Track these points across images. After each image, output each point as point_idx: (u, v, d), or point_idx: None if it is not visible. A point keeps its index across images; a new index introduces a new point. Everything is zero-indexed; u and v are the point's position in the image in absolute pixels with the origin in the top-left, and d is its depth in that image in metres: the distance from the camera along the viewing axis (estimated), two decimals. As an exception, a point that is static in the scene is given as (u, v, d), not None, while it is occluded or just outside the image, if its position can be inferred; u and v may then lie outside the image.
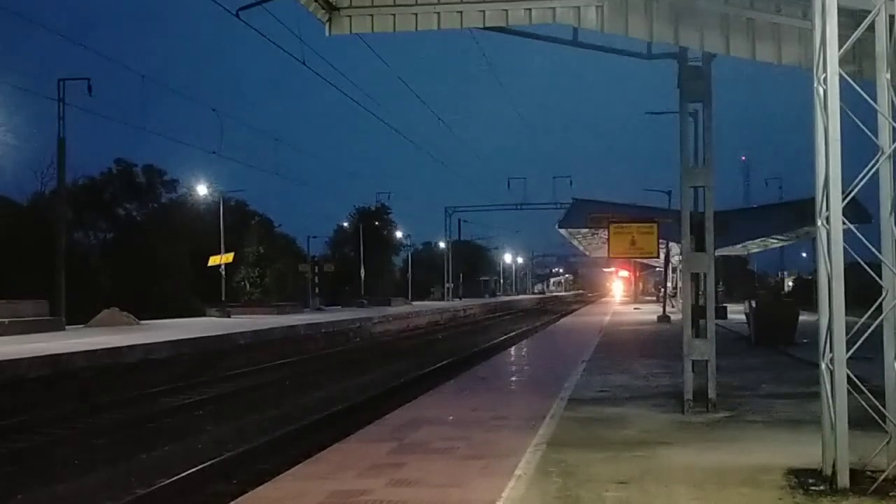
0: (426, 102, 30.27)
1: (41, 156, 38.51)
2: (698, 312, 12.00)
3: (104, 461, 10.26)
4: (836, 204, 5.74)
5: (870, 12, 5.89)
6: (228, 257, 39.71)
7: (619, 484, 6.15)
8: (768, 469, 6.45)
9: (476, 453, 7.44)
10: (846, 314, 5.76)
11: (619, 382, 12.66)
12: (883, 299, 5.99)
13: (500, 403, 10.70)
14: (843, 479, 5.69)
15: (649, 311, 39.53)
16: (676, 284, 41.92)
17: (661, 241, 25.80)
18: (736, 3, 8.16)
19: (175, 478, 8.80)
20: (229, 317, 34.68)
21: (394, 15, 8.99)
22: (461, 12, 8.83)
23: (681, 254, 13.00)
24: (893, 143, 5.96)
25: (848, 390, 5.72)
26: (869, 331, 5.86)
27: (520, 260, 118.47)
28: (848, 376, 5.71)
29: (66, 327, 25.09)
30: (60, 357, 16.19)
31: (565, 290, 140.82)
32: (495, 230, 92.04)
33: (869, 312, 5.90)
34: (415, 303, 59.17)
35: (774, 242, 47.39)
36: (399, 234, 71.85)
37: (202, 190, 43.09)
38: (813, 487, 5.82)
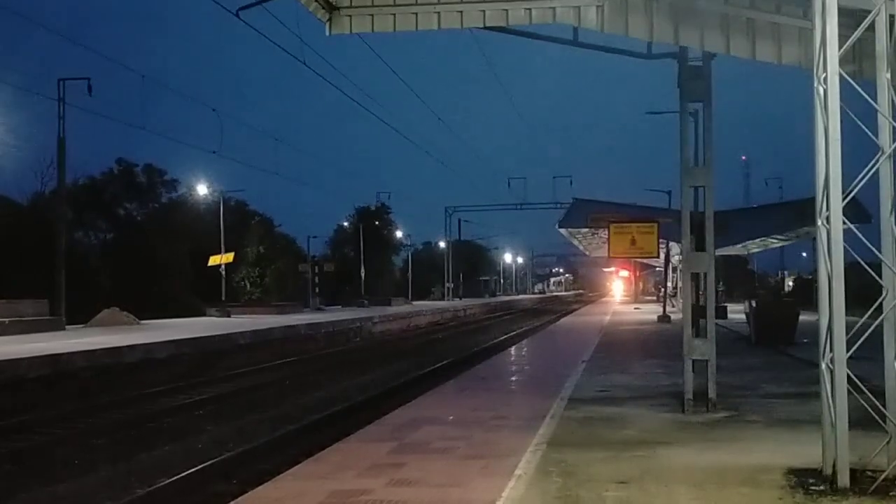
0: (426, 102, 30.31)
1: (41, 156, 38.56)
2: (698, 312, 12.00)
3: (104, 461, 10.26)
4: (837, 204, 5.74)
5: (870, 12, 5.89)
6: (228, 257, 39.71)
7: (619, 484, 6.15)
8: (768, 469, 6.45)
9: (476, 453, 7.44)
10: (846, 314, 5.76)
11: (620, 382, 12.66)
12: (883, 299, 5.99)
13: (501, 403, 10.70)
14: (844, 479, 5.69)
15: (649, 311, 39.52)
16: (676, 284, 41.92)
17: (661, 240, 25.77)
18: (736, 3, 8.16)
19: (175, 477, 8.80)
20: (229, 316, 34.69)
21: (394, 15, 8.99)
22: (461, 12, 8.82)
23: (681, 253, 13.01)
24: (893, 142, 5.96)
25: (848, 390, 5.72)
26: (869, 330, 5.86)
27: (520, 260, 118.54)
28: (848, 376, 5.71)
29: (67, 327, 25.10)
30: (60, 357, 16.19)
31: (565, 290, 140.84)
32: (495, 230, 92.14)
33: (869, 312, 5.90)
34: (415, 303, 59.21)
35: (775, 242, 47.35)
36: (399, 234, 71.89)
37: (202, 190, 43.10)
38: (813, 487, 5.82)
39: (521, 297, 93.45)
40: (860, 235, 6.02)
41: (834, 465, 5.76)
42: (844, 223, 5.77)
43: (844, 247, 5.80)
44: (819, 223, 5.90)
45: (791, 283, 66.88)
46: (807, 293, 34.03)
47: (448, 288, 71.51)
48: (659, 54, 10.30)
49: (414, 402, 11.34)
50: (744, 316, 23.77)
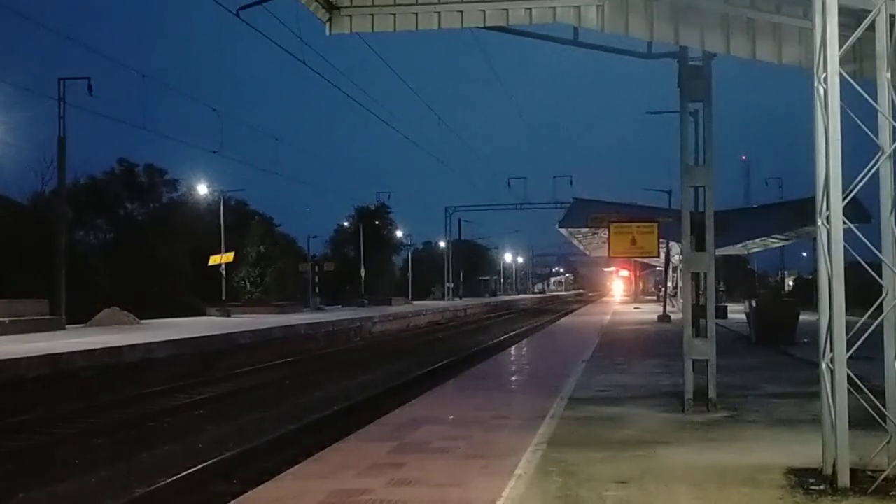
0: (426, 102, 30.32)
1: (42, 155, 38.59)
2: (698, 312, 11.99)
3: (104, 461, 10.26)
4: (837, 203, 5.74)
5: (870, 12, 5.89)
6: (229, 257, 39.72)
7: (619, 483, 6.15)
8: (768, 468, 6.45)
9: (476, 453, 7.44)
10: (846, 314, 5.75)
11: (620, 382, 12.66)
12: (883, 299, 5.99)
13: (501, 403, 10.70)
14: (844, 479, 5.69)
15: (649, 311, 39.52)
16: (676, 284, 41.91)
17: (661, 240, 25.77)
18: (736, 3, 8.16)
19: (175, 477, 8.81)
20: (229, 316, 34.70)
21: (394, 14, 8.99)
22: (462, 12, 8.82)
23: (681, 253, 13.01)
24: (894, 142, 5.96)
25: (848, 390, 5.72)
26: (869, 330, 5.86)
27: (520, 259, 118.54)
28: (848, 376, 5.71)
29: (67, 327, 25.10)
30: (60, 356, 16.19)
31: (565, 290, 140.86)
32: (495, 230, 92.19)
33: (869, 312, 5.90)
34: (415, 302, 59.21)
35: (775, 242, 47.38)
36: (399, 234, 71.94)
37: (202, 189, 43.10)
38: (813, 487, 5.82)
39: (521, 296, 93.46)
40: (860, 235, 6.02)
41: (834, 465, 5.76)
42: (844, 223, 5.77)
43: (844, 246, 5.80)
44: (819, 223, 5.90)
45: (791, 283, 66.91)
46: (807, 293, 34.01)
47: (448, 288, 71.52)
48: (659, 54, 10.30)
49: (414, 401, 11.34)
50: (744, 316, 23.76)
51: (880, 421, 5.90)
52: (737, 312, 28.07)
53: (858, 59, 6.99)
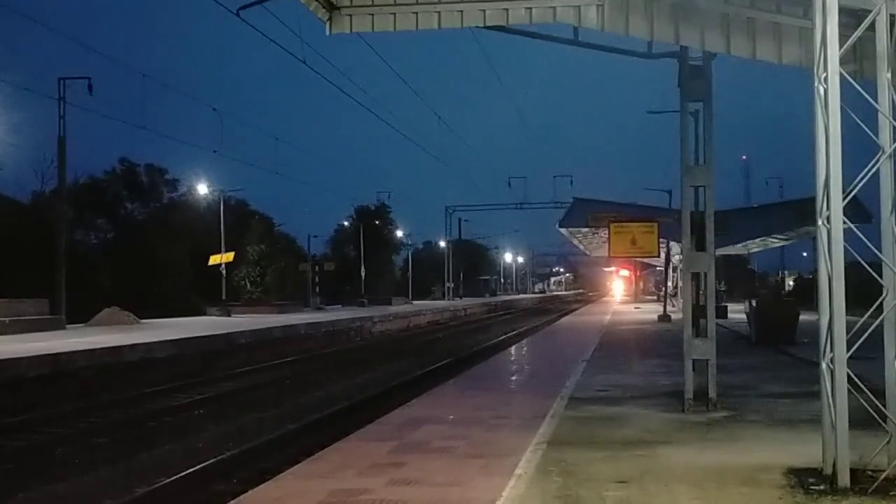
0: (426, 102, 30.33)
1: (42, 155, 38.60)
2: (699, 312, 11.99)
3: (104, 460, 10.26)
4: (837, 203, 5.74)
5: (870, 11, 5.89)
6: (229, 256, 39.72)
7: (619, 483, 6.15)
8: (768, 468, 6.45)
9: (476, 452, 7.44)
10: (847, 313, 5.75)
11: (620, 382, 12.66)
12: (883, 298, 5.98)
13: (501, 402, 10.70)
14: (844, 479, 5.69)
15: (650, 311, 39.52)
16: (677, 284, 41.90)
17: (661, 240, 25.73)
18: (736, 3, 8.15)
19: (175, 477, 8.81)
20: (230, 316, 34.70)
21: (394, 14, 8.99)
22: (462, 11, 8.82)
23: (681, 253, 13.00)
24: (894, 142, 5.96)
25: (848, 390, 5.72)
26: (869, 330, 5.86)
27: (520, 259, 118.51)
28: (848, 376, 5.71)
29: (67, 326, 25.10)
30: (60, 356, 16.19)
31: (566, 290, 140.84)
32: (496, 230, 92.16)
33: (869, 312, 5.89)
34: (415, 302, 59.20)
35: (775, 242, 47.34)
36: (399, 234, 71.95)
37: (202, 189, 43.11)
38: (813, 487, 5.82)
39: (521, 296, 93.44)
40: (860, 235, 6.02)
41: (834, 465, 5.76)
42: (845, 223, 5.77)
43: (845, 246, 5.80)
44: (819, 223, 5.90)
45: (791, 283, 66.91)
46: (807, 293, 34.00)
47: (448, 287, 71.51)
48: (659, 54, 10.30)
49: (414, 401, 11.34)
50: (744, 315, 23.76)
51: (880, 421, 5.90)
52: (737, 312, 28.06)
53: (859, 59, 6.99)
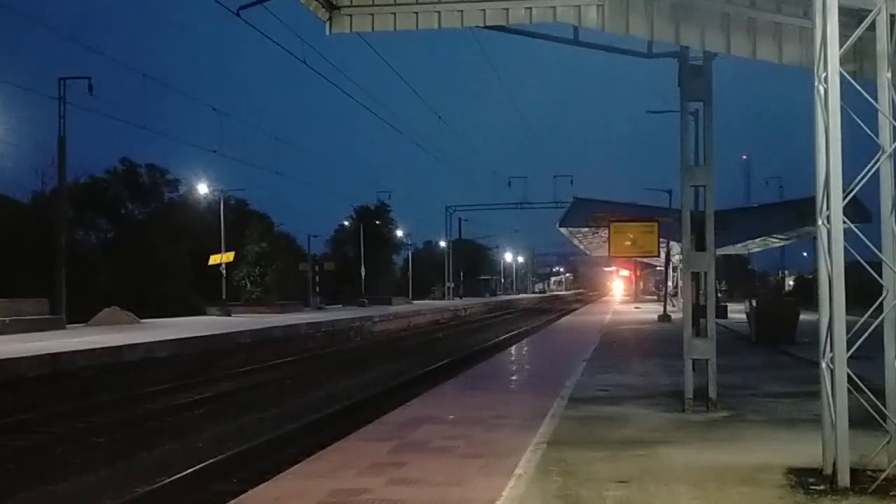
0: (426, 101, 30.33)
1: (42, 154, 38.56)
2: (699, 311, 12.00)
3: (104, 460, 10.26)
4: (837, 203, 5.74)
5: (870, 11, 5.89)
6: (229, 256, 39.72)
7: (619, 483, 6.15)
8: (768, 468, 6.45)
9: (476, 452, 7.44)
10: (847, 313, 5.75)
11: (620, 381, 12.66)
12: (883, 298, 5.98)
13: (501, 402, 10.70)
14: (844, 479, 5.69)
15: (650, 311, 39.51)
16: (677, 283, 41.90)
17: (661, 240, 25.72)
18: (737, 3, 8.15)
19: (175, 476, 8.81)
20: (230, 315, 34.70)
21: (394, 14, 8.99)
22: (462, 11, 8.82)
23: (681, 253, 13.00)
24: (894, 142, 5.96)
25: (848, 389, 5.72)
26: (869, 330, 5.86)
27: (520, 259, 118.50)
28: (848, 375, 5.71)
29: (67, 326, 25.10)
30: (60, 356, 16.19)
31: (566, 290, 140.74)
32: (496, 229, 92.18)
33: (869, 311, 5.90)
34: (415, 302, 59.19)
35: (775, 242, 47.33)
36: (399, 233, 71.93)
37: (202, 189, 43.11)
38: (813, 487, 5.82)
39: (521, 296, 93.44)
40: (860, 235, 6.01)
41: (834, 465, 5.76)
42: (845, 222, 5.77)
43: (845, 246, 5.80)
44: (819, 222, 5.89)
45: (791, 283, 66.96)
46: (807, 293, 34.00)
47: (448, 287, 71.51)
48: (659, 53, 10.30)
49: (414, 401, 11.35)
50: (744, 315, 23.77)
51: (880, 421, 5.90)
52: (737, 312, 28.07)
53: (859, 59, 6.99)
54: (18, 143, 36.00)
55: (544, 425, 8.68)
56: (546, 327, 34.04)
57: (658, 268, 58.77)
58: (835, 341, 5.76)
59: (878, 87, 6.03)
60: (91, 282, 36.07)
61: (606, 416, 9.40)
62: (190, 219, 45.95)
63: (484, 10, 8.76)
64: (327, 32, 9.11)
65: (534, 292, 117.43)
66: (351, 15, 9.04)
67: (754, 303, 21.81)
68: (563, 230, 44.63)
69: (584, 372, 14.07)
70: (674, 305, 38.72)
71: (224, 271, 39.55)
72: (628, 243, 23.25)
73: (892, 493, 5.57)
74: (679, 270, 30.83)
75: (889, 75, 6.00)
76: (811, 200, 6.15)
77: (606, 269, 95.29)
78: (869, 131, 5.97)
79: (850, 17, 6.16)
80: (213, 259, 39.30)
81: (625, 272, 75.79)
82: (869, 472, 5.85)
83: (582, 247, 61.23)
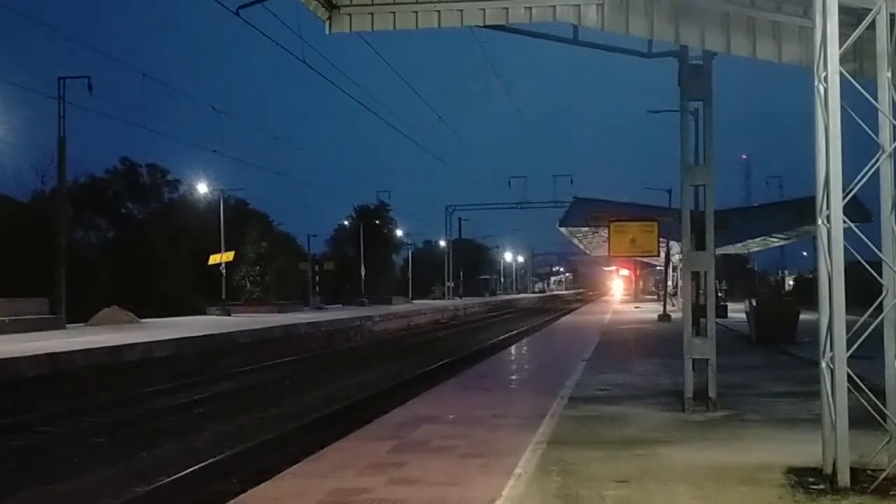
0: (426, 101, 30.33)
1: (42, 154, 38.54)
2: (699, 311, 11.99)
3: (104, 460, 10.25)
4: (837, 202, 5.73)
5: (870, 10, 5.89)
6: (229, 256, 39.72)
7: (619, 482, 6.14)
8: (768, 468, 6.45)
9: (476, 452, 7.44)
10: (846, 313, 5.75)
11: (620, 381, 12.66)
12: (883, 298, 5.98)
13: (500, 402, 10.70)
14: (844, 478, 5.69)
15: (650, 310, 39.52)
16: (677, 283, 41.90)
17: (661, 239, 25.74)
18: (736, 2, 8.15)
19: (175, 476, 8.81)
20: (230, 315, 34.69)
21: (394, 13, 8.98)
22: (461, 10, 8.81)
23: (681, 252, 12.99)
24: (894, 141, 5.95)
25: (848, 389, 5.71)
26: (869, 329, 5.86)
27: (520, 259, 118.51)
28: (848, 375, 5.71)
29: (67, 326, 25.08)
30: (60, 355, 16.18)
31: (566, 289, 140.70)
32: (496, 229, 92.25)
33: (869, 311, 5.89)
34: (415, 301, 59.20)
35: (775, 241, 47.34)
36: (399, 233, 71.97)
37: (202, 188, 43.11)
38: (813, 486, 5.82)
39: (521, 295, 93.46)
40: (860, 234, 6.01)
41: (834, 464, 5.75)
42: (845, 222, 5.76)
43: (845, 245, 5.79)
44: (819, 222, 5.89)
45: (791, 282, 66.99)
46: (807, 292, 34.01)
47: (448, 287, 71.51)
48: (659, 53, 10.29)
49: (414, 400, 11.34)
50: (744, 315, 23.76)
51: (880, 420, 5.90)
52: (737, 311, 28.07)
53: (859, 58, 6.98)
54: (18, 143, 36.06)
55: (544, 425, 8.68)
56: (546, 327, 34.04)
57: (658, 267, 58.78)
58: (835, 341, 5.76)
59: (878, 87, 6.03)
60: (91, 281, 36.06)
61: (606, 415, 9.40)
62: (190, 218, 45.94)
63: (483, 9, 8.75)
64: (327, 32, 9.10)
65: (534, 292, 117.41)
66: (350, 14, 9.03)
67: (754, 302, 21.81)
68: (562, 230, 44.63)
69: (584, 371, 14.07)
70: (673, 305, 38.72)
71: (224, 271, 39.53)
72: (628, 243, 23.25)
73: (891, 493, 5.57)
74: (679, 270, 30.83)
75: (889, 74, 5.99)
76: (811, 200, 6.15)
77: (606, 268, 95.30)
78: (869, 131, 5.97)
79: (850, 17, 6.16)
80: (213, 259, 39.29)
81: (625, 272, 75.85)
82: (869, 472, 5.85)
83: (582, 246, 61.24)
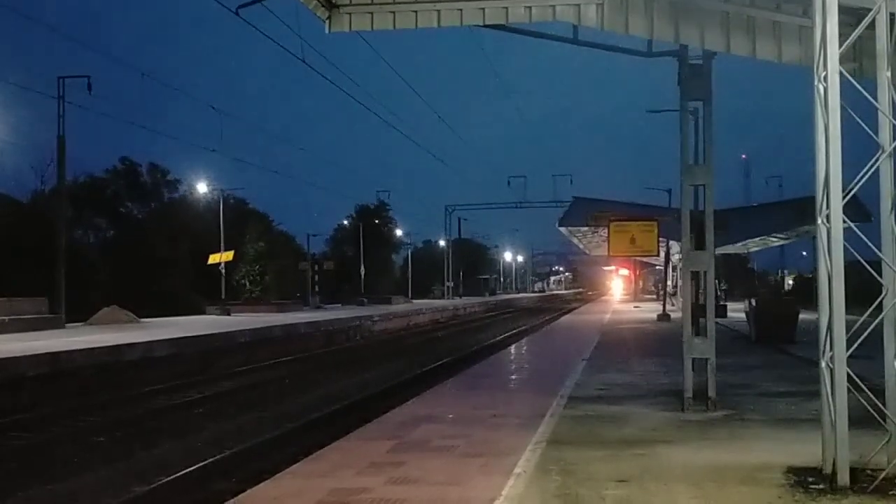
0: (426, 101, 30.33)
1: (41, 154, 38.55)
2: (698, 311, 11.99)
3: (104, 459, 10.26)
4: (837, 202, 5.73)
5: (870, 10, 5.89)
6: (228, 255, 39.72)
7: (618, 482, 6.14)
8: (768, 467, 6.45)
9: (476, 451, 7.44)
10: (846, 312, 5.75)
11: (619, 381, 12.66)
12: (883, 297, 5.98)
13: (500, 401, 10.70)
14: (843, 478, 5.69)
15: (649, 310, 39.52)
16: (676, 283, 41.90)
17: (661, 239, 25.78)
18: (736, 1, 8.15)
19: (175, 476, 8.81)
20: (229, 315, 34.68)
21: (394, 13, 8.98)
22: (461, 10, 8.81)
23: (681, 252, 13.00)
24: (894, 141, 5.95)
25: (848, 389, 5.71)
26: (869, 329, 5.86)
27: (520, 258, 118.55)
28: (848, 375, 5.71)
29: (66, 325, 25.07)
30: (60, 355, 16.18)
31: (565, 289, 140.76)
32: (495, 229, 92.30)
33: (869, 311, 5.89)
34: (415, 301, 59.18)
35: (775, 241, 47.35)
36: (399, 232, 72.00)
37: (202, 188, 43.11)
38: (813, 486, 5.82)
39: (520, 295, 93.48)
40: (860, 234, 6.01)
41: (834, 464, 5.75)
42: (844, 222, 5.76)
43: (844, 245, 5.79)
44: (819, 222, 5.89)
45: (791, 282, 66.97)
46: (807, 292, 33.99)
47: (448, 286, 71.53)
48: (659, 52, 10.29)
49: (413, 400, 11.34)
50: (744, 315, 23.77)
51: (880, 420, 5.90)
52: (737, 311, 28.07)
53: (858, 58, 6.99)
54: (18, 143, 36.01)
55: (544, 424, 8.68)
56: (545, 326, 34.05)
57: (657, 267, 58.78)
58: (834, 341, 5.75)
59: (878, 86, 6.03)
60: (90, 281, 36.05)
61: (606, 415, 9.39)
62: (189, 218, 45.94)
63: (483, 8, 8.74)
64: (326, 31, 9.09)
65: (533, 291, 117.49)
66: (350, 14, 9.02)
67: (754, 302, 21.81)
68: (562, 229, 44.64)
69: (584, 371, 14.07)
70: (673, 304, 38.73)
71: (223, 270, 39.54)
72: (628, 242, 23.27)
73: (891, 493, 5.57)
74: (679, 270, 30.85)
75: (889, 74, 5.99)
76: (811, 200, 6.15)
77: (606, 268, 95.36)
78: (869, 130, 5.97)
79: (850, 16, 6.15)
80: (213, 258, 39.29)
81: (624, 271, 75.90)
82: (868, 472, 5.85)
83: (581, 246, 61.25)
